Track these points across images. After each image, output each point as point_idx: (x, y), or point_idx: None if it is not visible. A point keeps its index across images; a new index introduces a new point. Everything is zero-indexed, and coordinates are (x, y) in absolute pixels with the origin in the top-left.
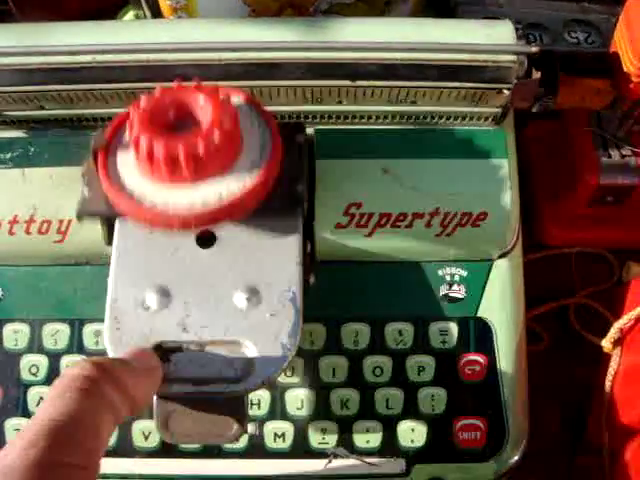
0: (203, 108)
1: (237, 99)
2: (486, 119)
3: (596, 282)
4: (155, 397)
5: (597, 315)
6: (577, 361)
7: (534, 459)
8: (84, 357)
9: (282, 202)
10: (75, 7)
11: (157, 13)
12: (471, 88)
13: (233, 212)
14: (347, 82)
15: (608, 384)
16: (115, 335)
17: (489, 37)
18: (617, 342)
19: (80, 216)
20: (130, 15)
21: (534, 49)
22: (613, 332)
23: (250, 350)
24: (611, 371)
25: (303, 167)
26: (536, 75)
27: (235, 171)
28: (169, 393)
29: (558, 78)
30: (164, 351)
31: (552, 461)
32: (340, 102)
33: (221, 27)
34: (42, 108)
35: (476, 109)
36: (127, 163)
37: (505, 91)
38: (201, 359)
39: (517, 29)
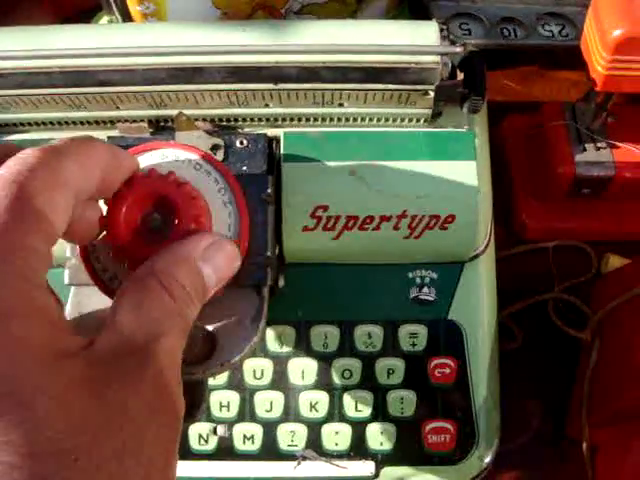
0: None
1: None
2: (417, 120)
3: (575, 274)
4: None
5: (576, 308)
6: (557, 355)
7: (516, 453)
8: None
9: (249, 275)
10: (49, 14)
11: (128, 18)
12: (395, 90)
13: None
14: (270, 85)
15: (587, 377)
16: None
17: (413, 38)
18: (596, 334)
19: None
20: (104, 20)
21: (458, 49)
22: (592, 324)
23: (210, 333)
24: (590, 364)
25: (268, 234)
26: (460, 76)
27: None
28: None
29: (484, 79)
30: None
31: (534, 455)
32: (267, 105)
33: (145, 32)
34: None
35: (405, 110)
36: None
37: (430, 92)
38: None
39: (442, 29)
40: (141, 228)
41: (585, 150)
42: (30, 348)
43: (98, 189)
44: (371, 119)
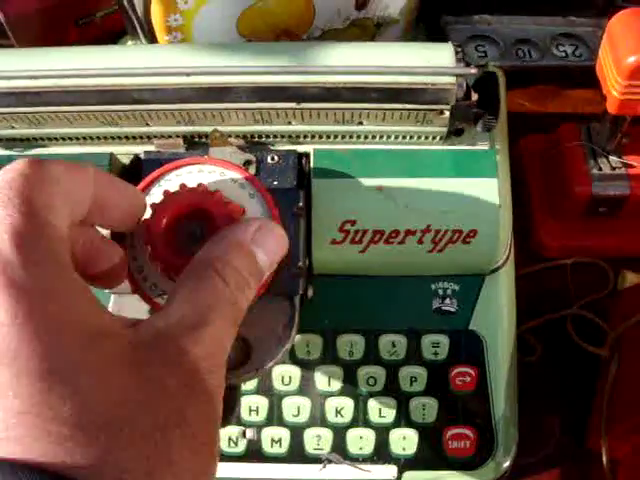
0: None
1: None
2: (434, 138)
3: (592, 291)
4: None
5: (594, 324)
6: (576, 370)
7: (537, 465)
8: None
9: (282, 285)
10: (74, 40)
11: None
12: (412, 109)
13: None
14: (292, 104)
15: (606, 392)
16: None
17: (430, 60)
18: (614, 350)
19: None
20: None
21: (472, 71)
22: (610, 340)
23: (245, 340)
24: (609, 379)
25: (300, 246)
26: (474, 96)
27: None
28: None
29: (498, 99)
30: None
31: (555, 469)
32: (289, 123)
33: (174, 53)
34: (13, 128)
35: (422, 128)
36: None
37: (445, 112)
38: None
39: (457, 52)
40: (178, 237)
41: (601, 170)
42: (68, 325)
43: (92, 212)
44: (389, 136)
